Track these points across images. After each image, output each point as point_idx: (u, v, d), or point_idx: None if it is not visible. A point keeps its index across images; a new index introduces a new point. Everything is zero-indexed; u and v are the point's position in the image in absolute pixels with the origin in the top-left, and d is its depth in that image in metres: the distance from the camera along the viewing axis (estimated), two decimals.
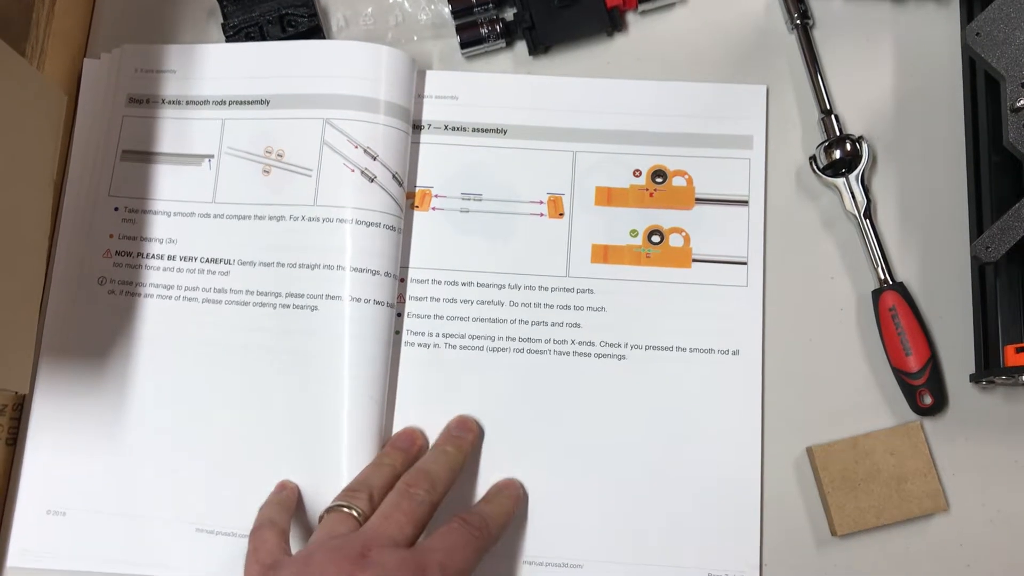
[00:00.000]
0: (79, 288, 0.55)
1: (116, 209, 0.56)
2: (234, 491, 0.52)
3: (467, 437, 0.52)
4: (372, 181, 0.53)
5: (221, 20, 0.57)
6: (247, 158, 0.55)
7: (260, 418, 0.53)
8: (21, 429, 0.54)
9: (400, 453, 0.50)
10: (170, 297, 0.54)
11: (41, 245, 0.49)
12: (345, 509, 0.46)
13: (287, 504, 0.50)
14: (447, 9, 0.58)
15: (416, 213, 0.56)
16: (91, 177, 0.56)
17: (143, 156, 0.56)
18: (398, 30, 0.59)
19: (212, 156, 0.55)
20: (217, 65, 0.57)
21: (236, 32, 0.57)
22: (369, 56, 0.55)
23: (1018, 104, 0.48)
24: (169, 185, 0.56)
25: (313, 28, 0.57)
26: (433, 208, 0.56)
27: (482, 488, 0.52)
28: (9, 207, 0.45)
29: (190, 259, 0.55)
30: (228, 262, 0.54)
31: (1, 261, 0.44)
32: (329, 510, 0.46)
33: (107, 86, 0.57)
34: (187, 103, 0.56)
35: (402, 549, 0.43)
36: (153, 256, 0.55)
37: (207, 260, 0.54)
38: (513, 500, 0.51)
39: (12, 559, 0.53)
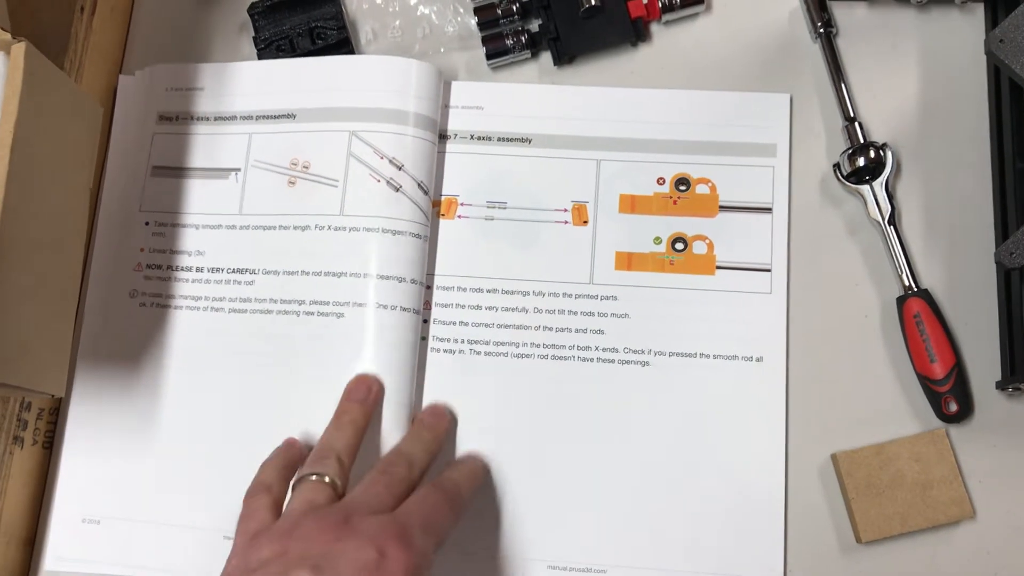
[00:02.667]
0: (111, 301, 0.56)
1: (147, 224, 0.57)
2: None
3: (441, 424, 0.52)
4: (398, 191, 0.54)
5: (252, 34, 0.59)
6: (273, 170, 0.56)
7: (288, 425, 0.53)
8: (57, 434, 0.55)
9: (358, 405, 0.51)
10: (198, 308, 0.56)
11: (77, 252, 0.50)
12: (315, 477, 0.46)
13: (289, 467, 0.50)
14: (473, 21, 0.59)
15: (442, 221, 0.56)
16: (123, 193, 0.58)
17: (172, 171, 0.58)
18: (425, 42, 0.60)
19: (239, 169, 0.57)
20: (245, 82, 0.58)
21: (267, 45, 0.59)
22: (396, 70, 0.56)
23: None
24: (197, 198, 0.57)
25: (342, 40, 0.58)
26: (459, 216, 0.57)
27: (497, 484, 0.53)
28: (48, 215, 0.46)
29: (217, 270, 0.56)
30: (253, 272, 0.55)
31: (40, 266, 0.45)
32: (301, 479, 0.46)
33: (138, 105, 0.59)
34: (215, 119, 0.58)
35: (383, 515, 0.43)
36: (182, 268, 0.56)
37: (233, 271, 0.56)
38: (479, 467, 0.52)
39: (48, 564, 0.54)
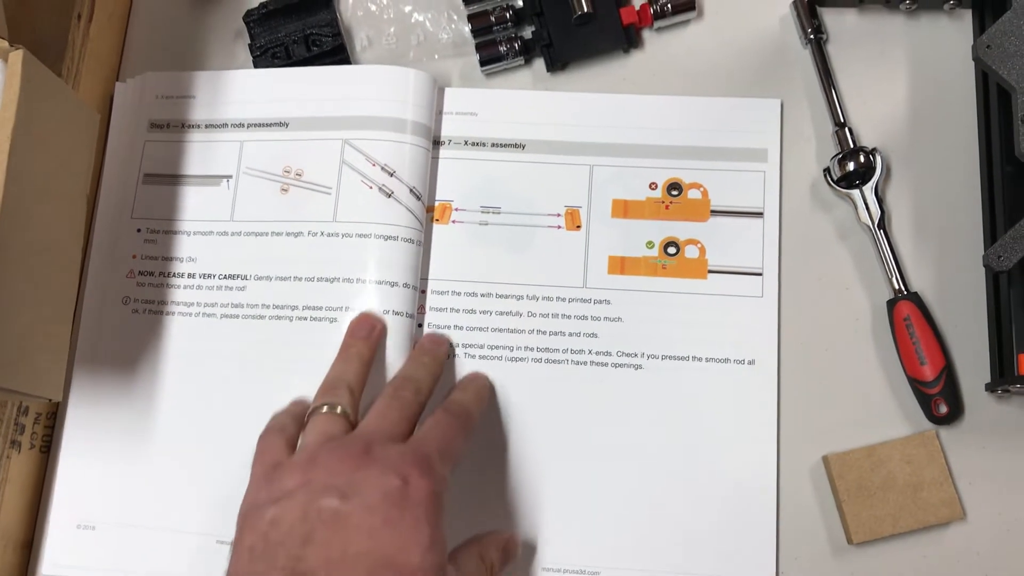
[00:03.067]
0: (105, 308, 0.57)
1: (139, 231, 0.57)
2: None
3: (441, 348, 0.54)
4: (390, 196, 0.54)
5: (248, 41, 0.59)
6: (265, 177, 0.57)
7: None
8: (54, 438, 0.55)
9: (362, 341, 0.51)
10: (190, 314, 0.56)
11: (75, 257, 0.50)
12: (327, 408, 0.47)
13: (300, 415, 0.50)
14: (467, 28, 0.59)
15: (436, 226, 0.57)
16: (116, 200, 0.58)
17: (164, 179, 0.58)
18: (420, 49, 0.60)
19: (231, 176, 0.57)
20: (236, 91, 0.58)
21: (262, 52, 0.59)
22: (391, 78, 0.56)
23: None
24: (189, 205, 0.57)
25: (337, 47, 0.59)
26: (453, 221, 0.57)
27: (491, 488, 0.53)
28: (46, 221, 0.47)
29: (209, 276, 0.56)
30: (245, 277, 0.56)
31: (37, 272, 0.46)
32: (313, 412, 0.47)
33: (130, 112, 0.59)
34: (207, 127, 0.58)
35: (399, 443, 0.44)
36: (174, 275, 0.57)
37: (224, 276, 0.56)
38: (485, 386, 0.53)
39: (45, 568, 0.54)
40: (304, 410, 0.50)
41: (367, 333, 0.52)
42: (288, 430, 0.48)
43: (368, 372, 0.50)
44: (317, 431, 0.46)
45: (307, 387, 0.53)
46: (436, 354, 0.53)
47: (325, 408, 0.47)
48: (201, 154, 0.58)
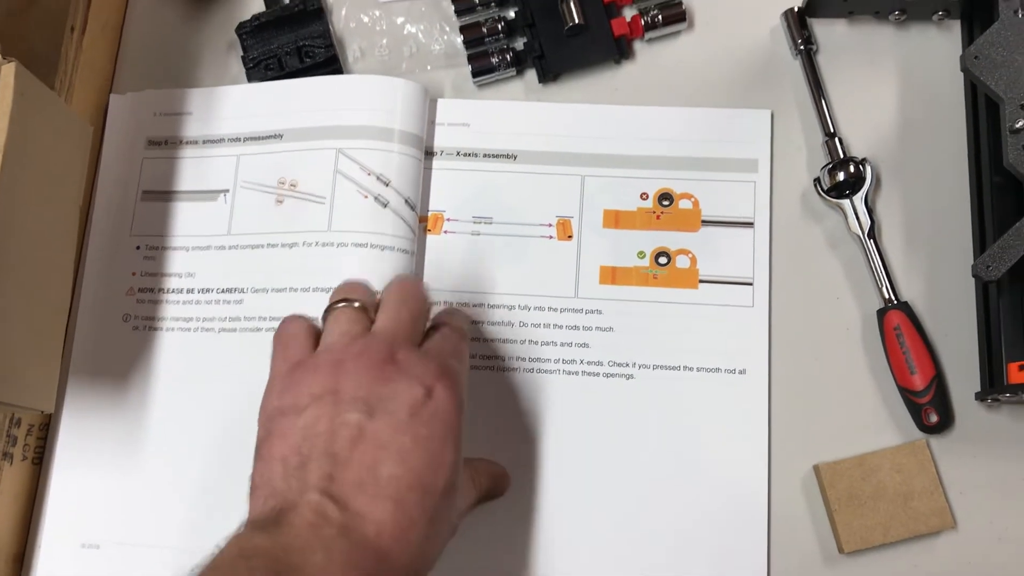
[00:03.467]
0: (105, 325, 0.57)
1: (138, 248, 0.58)
2: None
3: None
4: (385, 207, 0.55)
5: (241, 53, 0.60)
6: (260, 190, 0.57)
7: None
8: (47, 450, 0.55)
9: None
10: (189, 329, 0.56)
11: (67, 271, 0.50)
12: (344, 303, 0.46)
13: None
14: (459, 39, 0.60)
15: (429, 236, 0.57)
16: (114, 218, 0.58)
17: (162, 195, 0.58)
18: (412, 60, 0.61)
19: (228, 191, 0.57)
20: (232, 105, 0.59)
21: (255, 64, 0.59)
22: (383, 89, 0.57)
23: (1017, 126, 0.49)
24: (187, 221, 0.58)
25: (330, 58, 0.59)
26: (445, 231, 0.57)
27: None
28: (38, 233, 0.47)
29: (207, 291, 0.56)
30: (242, 291, 0.56)
31: (29, 284, 0.46)
32: (330, 309, 0.46)
33: (127, 130, 0.60)
34: (204, 142, 0.59)
35: (420, 350, 0.44)
36: (173, 291, 0.57)
37: (222, 291, 0.56)
38: (462, 318, 0.51)
39: None
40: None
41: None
42: (308, 318, 0.47)
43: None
44: (339, 330, 0.45)
45: None
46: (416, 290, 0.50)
47: (342, 303, 0.46)
48: (198, 169, 0.58)
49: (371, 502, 0.39)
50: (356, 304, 0.45)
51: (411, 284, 0.48)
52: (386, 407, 0.41)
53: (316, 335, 0.46)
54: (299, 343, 0.45)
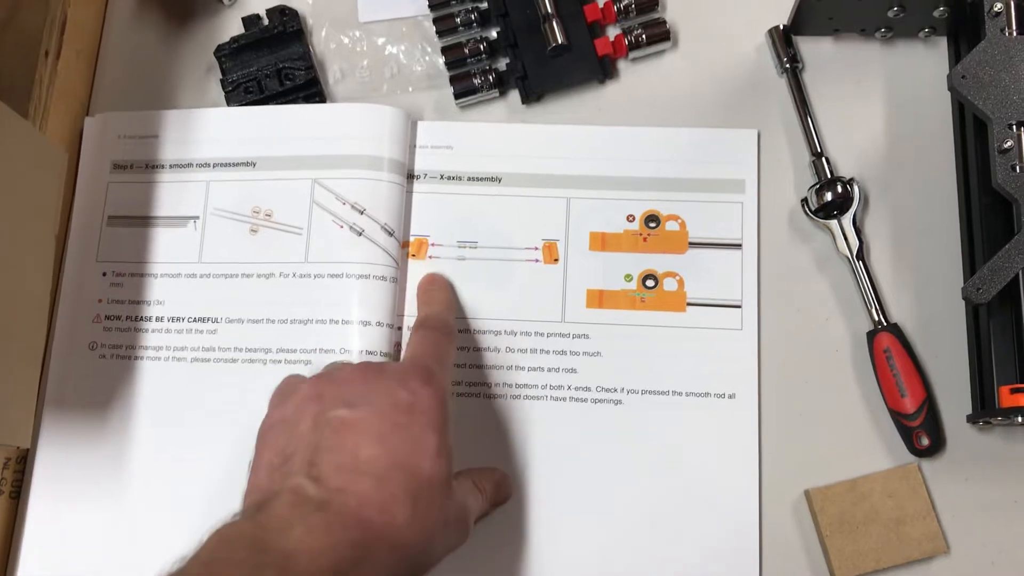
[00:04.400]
0: (73, 353, 0.56)
1: (104, 274, 0.57)
2: None
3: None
4: (360, 235, 0.54)
5: (220, 76, 0.59)
6: (233, 218, 0.56)
7: None
8: (24, 483, 0.54)
9: None
10: (159, 358, 0.55)
11: (43, 302, 0.49)
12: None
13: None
14: (441, 60, 0.59)
15: (413, 262, 0.56)
16: (81, 242, 0.57)
17: (129, 220, 0.57)
18: (393, 82, 0.60)
19: (197, 217, 0.56)
20: (201, 130, 0.58)
21: (235, 87, 0.58)
22: (363, 116, 0.56)
23: (1005, 145, 0.49)
24: (155, 248, 0.57)
25: (310, 80, 0.58)
26: (430, 257, 0.56)
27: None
28: (12, 264, 0.46)
29: (178, 319, 0.55)
30: (216, 320, 0.55)
31: (4, 316, 0.45)
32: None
33: (95, 152, 0.58)
34: (171, 167, 0.57)
35: (402, 362, 0.47)
36: (141, 319, 0.56)
37: (194, 319, 0.55)
38: (445, 287, 0.55)
39: None
40: None
41: None
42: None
43: None
44: (330, 366, 0.48)
45: None
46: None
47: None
48: (167, 195, 0.57)
49: (352, 478, 0.40)
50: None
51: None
52: (368, 401, 0.42)
53: None
54: (293, 380, 0.47)
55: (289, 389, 0.46)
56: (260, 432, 0.45)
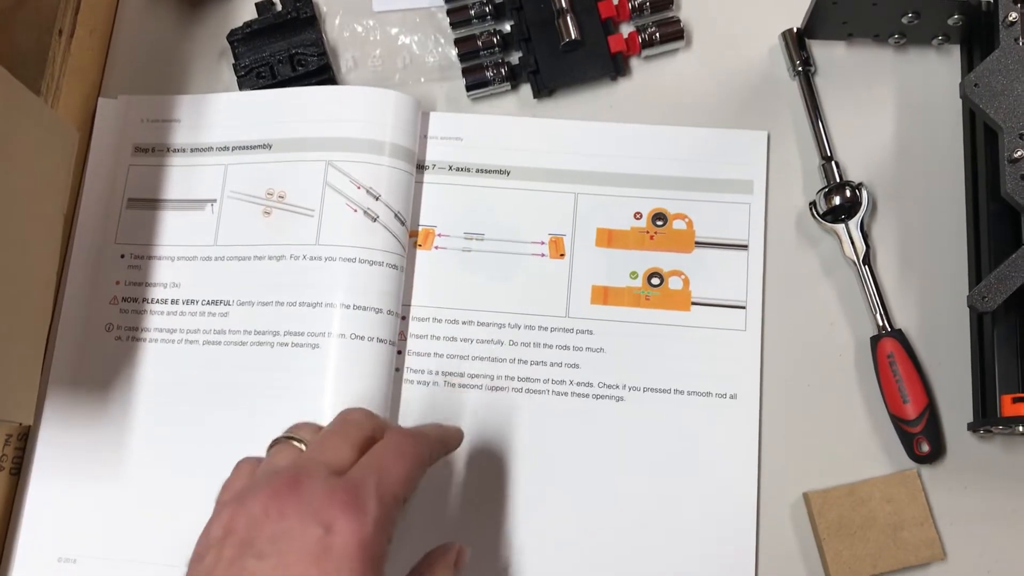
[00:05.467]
0: (87, 334, 0.56)
1: (122, 256, 0.57)
2: None
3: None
4: (375, 221, 0.54)
5: (232, 60, 0.59)
6: (248, 201, 0.56)
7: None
8: (25, 461, 0.54)
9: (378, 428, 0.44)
10: (173, 341, 0.55)
11: (49, 279, 0.49)
12: (293, 441, 0.42)
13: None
14: (454, 52, 0.59)
15: (419, 252, 0.56)
16: (99, 225, 0.57)
17: (148, 203, 0.57)
18: (406, 72, 0.60)
19: (215, 200, 0.56)
20: (221, 114, 0.58)
21: (247, 72, 0.58)
22: (374, 100, 0.56)
23: (1015, 155, 0.49)
24: (173, 230, 0.57)
25: (323, 67, 0.58)
26: (436, 247, 0.56)
27: (470, 518, 0.52)
28: (20, 241, 0.46)
29: (192, 302, 0.55)
30: (227, 303, 0.55)
31: (10, 293, 0.45)
32: (276, 441, 0.43)
33: (114, 135, 0.59)
34: (191, 151, 0.58)
35: (334, 476, 0.39)
36: (157, 301, 0.56)
37: (208, 302, 0.55)
38: (451, 427, 0.47)
39: None
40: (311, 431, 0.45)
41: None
42: (259, 459, 0.44)
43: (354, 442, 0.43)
44: (265, 465, 0.42)
45: (289, 414, 0.51)
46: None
47: (293, 440, 0.42)
48: (186, 178, 0.57)
49: None
50: (295, 443, 0.42)
51: (355, 411, 0.44)
52: (278, 547, 0.36)
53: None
54: (234, 485, 0.42)
55: (224, 500, 0.41)
56: (192, 554, 0.40)
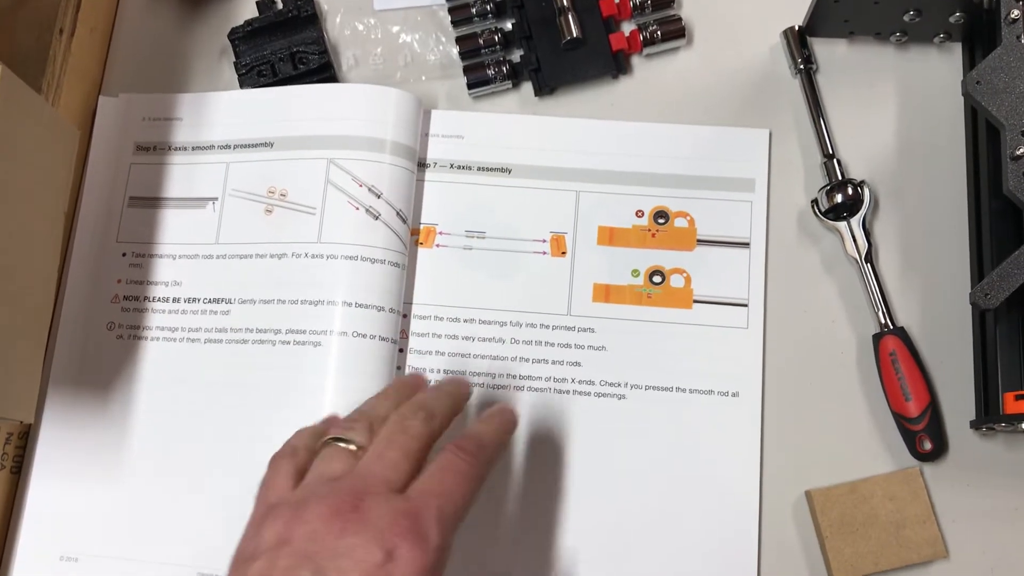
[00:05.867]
0: (88, 332, 0.56)
1: (124, 255, 0.57)
2: (236, 534, 0.52)
3: (463, 388, 0.47)
4: (377, 219, 0.54)
5: (233, 59, 0.59)
6: (250, 199, 0.56)
7: (266, 457, 0.53)
8: (26, 459, 0.54)
9: (407, 386, 0.46)
10: (174, 339, 0.55)
11: (50, 277, 0.49)
12: (342, 444, 0.42)
13: (317, 439, 0.45)
14: (455, 50, 0.59)
15: (420, 250, 0.56)
16: (100, 223, 0.57)
17: (150, 202, 0.57)
18: (407, 70, 0.60)
19: (216, 199, 0.56)
20: (222, 112, 0.58)
21: (248, 71, 0.58)
22: (376, 97, 0.56)
23: (1017, 152, 0.49)
24: (175, 228, 0.57)
25: (324, 65, 0.58)
26: (437, 245, 0.56)
27: (471, 515, 0.52)
28: (20, 239, 0.46)
29: (194, 300, 0.55)
30: (229, 301, 0.55)
31: (10, 291, 0.45)
32: (326, 443, 0.42)
33: (115, 134, 0.59)
34: (193, 149, 0.58)
35: (396, 497, 0.39)
36: (159, 299, 0.56)
37: (209, 300, 0.55)
38: (510, 421, 0.46)
39: None
40: (324, 432, 0.46)
41: (413, 382, 0.47)
42: (299, 455, 0.44)
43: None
44: (319, 468, 0.42)
45: (290, 413, 0.52)
46: (457, 391, 0.46)
47: (341, 443, 0.42)
48: (187, 176, 0.57)
49: None
50: (351, 446, 0.42)
51: (428, 397, 0.44)
52: (338, 565, 0.36)
53: (300, 476, 0.43)
54: (278, 485, 0.42)
55: (269, 504, 0.41)
56: (233, 556, 0.40)
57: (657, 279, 0.55)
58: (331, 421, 0.46)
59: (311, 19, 0.59)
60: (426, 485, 0.40)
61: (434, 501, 0.39)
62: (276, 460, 0.44)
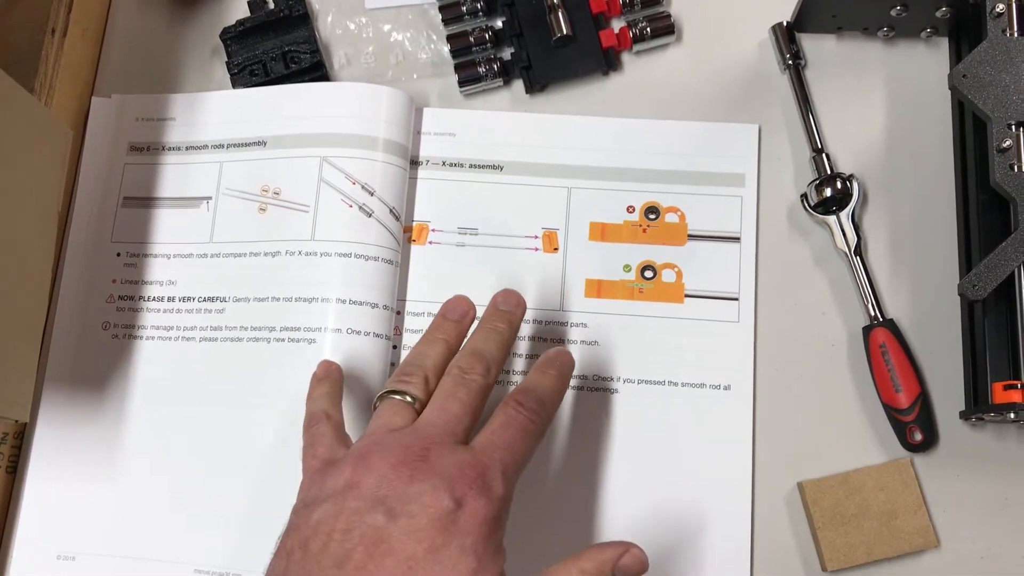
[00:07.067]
0: (83, 332, 0.56)
1: (118, 255, 0.57)
2: (232, 531, 0.52)
3: (516, 312, 0.48)
4: (370, 216, 0.54)
5: (225, 58, 0.59)
6: (243, 197, 0.56)
7: (260, 453, 0.53)
8: (22, 459, 0.54)
9: (453, 325, 0.48)
10: (169, 338, 0.55)
11: (44, 277, 0.49)
12: (398, 396, 0.43)
13: (335, 393, 0.48)
14: (446, 48, 0.59)
15: (413, 247, 0.57)
16: (94, 224, 0.57)
17: (144, 202, 0.58)
18: (398, 68, 0.60)
19: (210, 198, 0.57)
20: (215, 111, 0.58)
21: (240, 70, 0.59)
22: (367, 95, 0.56)
23: (1004, 145, 0.49)
24: (169, 228, 0.57)
25: (315, 64, 0.59)
26: (430, 242, 0.57)
27: None
28: (13, 240, 0.46)
29: (188, 299, 0.56)
30: (223, 300, 0.55)
31: (4, 291, 0.45)
32: (382, 396, 0.44)
33: (109, 134, 0.59)
34: (186, 148, 0.58)
35: (461, 448, 0.41)
36: (154, 299, 0.56)
37: (204, 299, 0.55)
38: (568, 364, 0.47)
39: None
40: (335, 384, 0.48)
41: (459, 316, 0.48)
42: (333, 415, 0.46)
43: (451, 358, 0.46)
44: (380, 420, 0.43)
45: (287, 410, 0.52)
46: (512, 321, 0.47)
47: (396, 396, 0.44)
48: (181, 176, 0.57)
49: None
50: (408, 398, 0.44)
51: (484, 339, 0.46)
52: (407, 511, 0.38)
53: (342, 435, 0.45)
54: (326, 443, 0.44)
55: (325, 458, 0.42)
56: (295, 506, 0.41)
57: (649, 274, 0.56)
58: (326, 368, 0.50)
59: (302, 18, 0.59)
60: (490, 438, 0.42)
61: (498, 454, 0.41)
62: (311, 426, 0.46)
